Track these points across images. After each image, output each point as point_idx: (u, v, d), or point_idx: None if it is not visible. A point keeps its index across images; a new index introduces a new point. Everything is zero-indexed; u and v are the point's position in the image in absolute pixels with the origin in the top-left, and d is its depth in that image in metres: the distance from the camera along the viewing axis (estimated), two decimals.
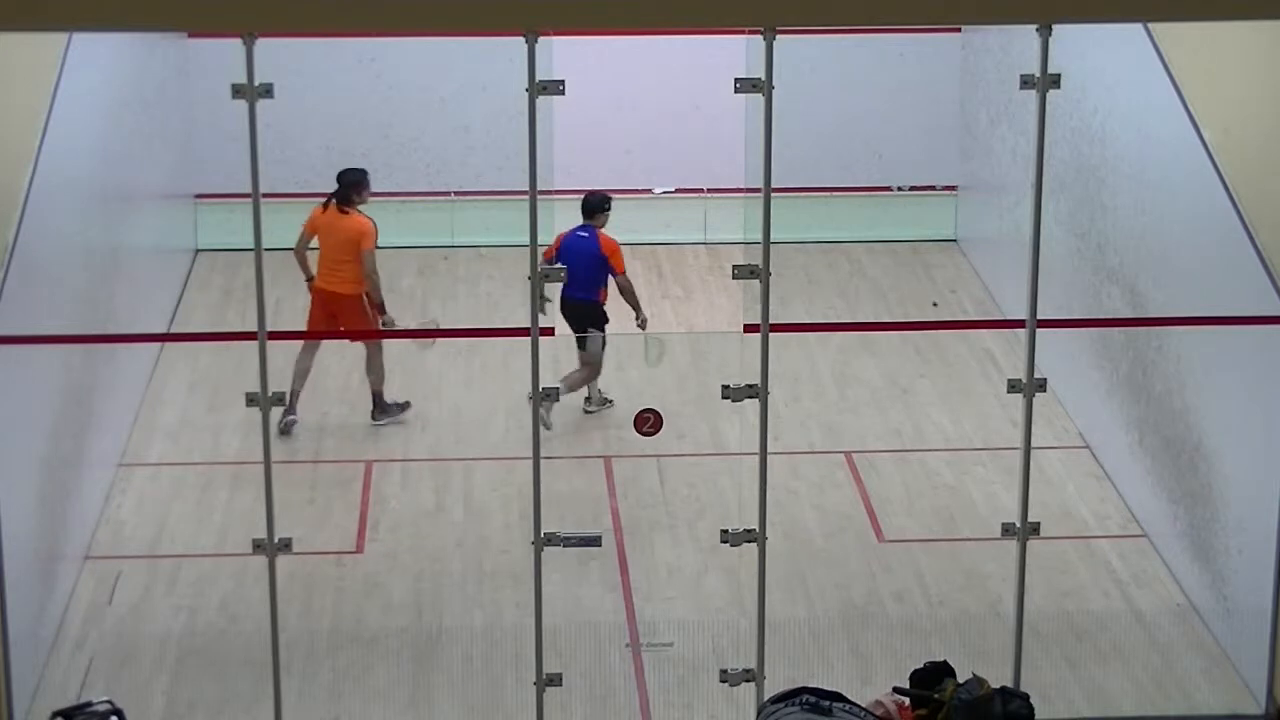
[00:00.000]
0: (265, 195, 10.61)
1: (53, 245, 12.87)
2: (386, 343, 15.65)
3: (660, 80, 18.66)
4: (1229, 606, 12.39)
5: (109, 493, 14.27)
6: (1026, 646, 11.34)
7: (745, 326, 10.98)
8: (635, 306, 15.49)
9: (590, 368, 15.51)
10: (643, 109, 18.83)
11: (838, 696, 8.03)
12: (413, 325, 16.55)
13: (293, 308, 17.52)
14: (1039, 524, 11.07)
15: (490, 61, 18.15)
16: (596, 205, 15.51)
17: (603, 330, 15.50)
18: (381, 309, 15.35)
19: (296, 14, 10.14)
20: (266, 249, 10.67)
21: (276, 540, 10.94)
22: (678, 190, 19.13)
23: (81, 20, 10.39)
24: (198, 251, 18.74)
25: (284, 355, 15.11)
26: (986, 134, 17.86)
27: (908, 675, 8.67)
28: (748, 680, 11.24)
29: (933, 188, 19.22)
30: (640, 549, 13.59)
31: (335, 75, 18.55)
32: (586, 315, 15.44)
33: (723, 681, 11.36)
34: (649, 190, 19.09)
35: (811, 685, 8.15)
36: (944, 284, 18.23)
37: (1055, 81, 10.47)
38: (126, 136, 15.61)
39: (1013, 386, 11.01)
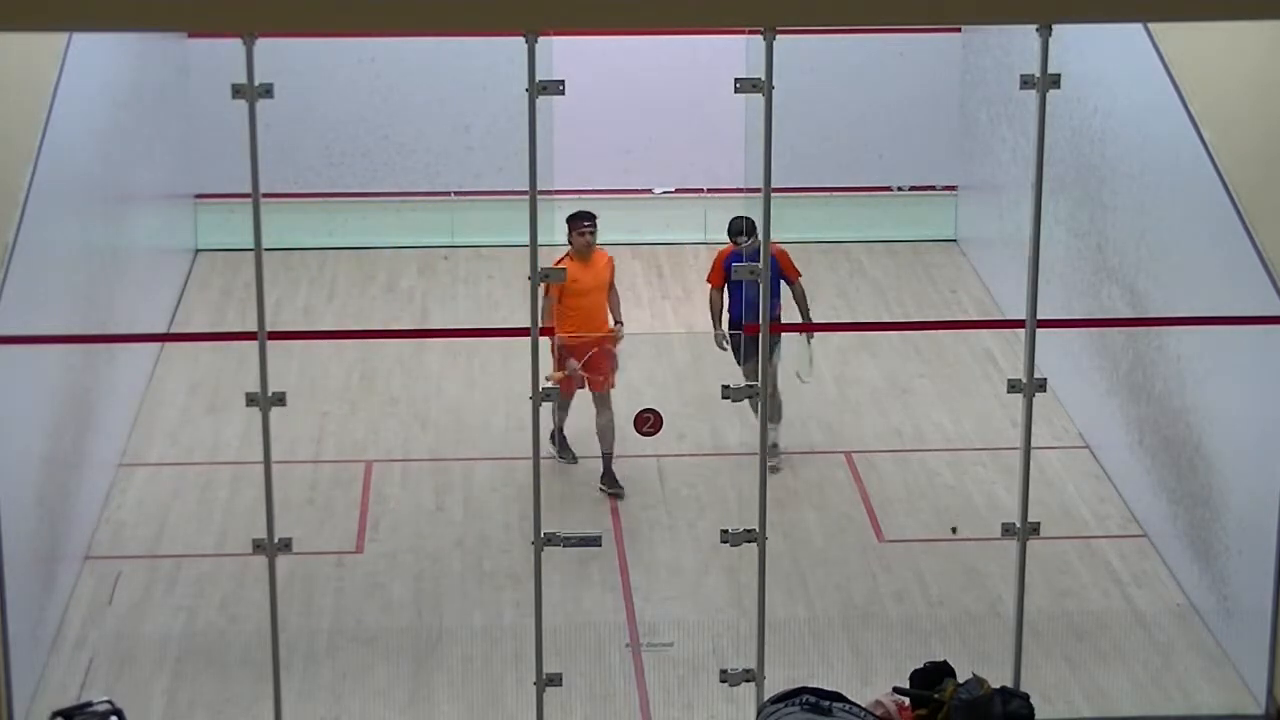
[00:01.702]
0: (265, 195, 10.61)
1: (53, 245, 12.87)
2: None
3: (660, 80, 18.66)
4: (1229, 606, 12.39)
5: (109, 493, 14.26)
6: (1026, 646, 11.34)
7: (746, 326, 10.98)
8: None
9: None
10: (643, 109, 18.83)
11: (838, 696, 8.04)
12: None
13: (292, 308, 17.55)
14: (1039, 524, 11.07)
15: (490, 61, 18.17)
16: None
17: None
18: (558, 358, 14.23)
19: (296, 14, 10.14)
20: (266, 249, 10.67)
21: (276, 540, 10.94)
22: (678, 190, 19.13)
23: (81, 20, 10.39)
24: (198, 251, 18.74)
25: (284, 355, 15.12)
26: (986, 134, 17.86)
27: (908, 675, 8.67)
28: (748, 680, 11.24)
29: (933, 188, 19.22)
30: (640, 549, 13.59)
31: (335, 75, 18.55)
32: None
33: (723, 681, 11.36)
34: (649, 190, 19.10)
35: (811, 685, 8.15)
36: (944, 284, 18.23)
37: (1055, 81, 10.47)
38: (126, 136, 15.61)
39: (1013, 386, 11.01)
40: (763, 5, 10.07)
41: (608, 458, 14.29)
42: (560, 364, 14.10)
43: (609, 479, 14.26)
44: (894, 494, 14.43)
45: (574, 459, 14.61)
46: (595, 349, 14.26)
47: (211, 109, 17.16)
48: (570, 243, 14.31)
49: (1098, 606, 12.95)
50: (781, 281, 14.32)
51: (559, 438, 14.68)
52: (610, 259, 14.52)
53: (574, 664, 12.02)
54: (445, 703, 11.91)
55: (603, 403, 14.29)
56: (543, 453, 13.60)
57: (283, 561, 11.12)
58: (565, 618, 12.48)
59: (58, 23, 10.75)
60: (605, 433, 14.28)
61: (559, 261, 14.08)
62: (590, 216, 14.34)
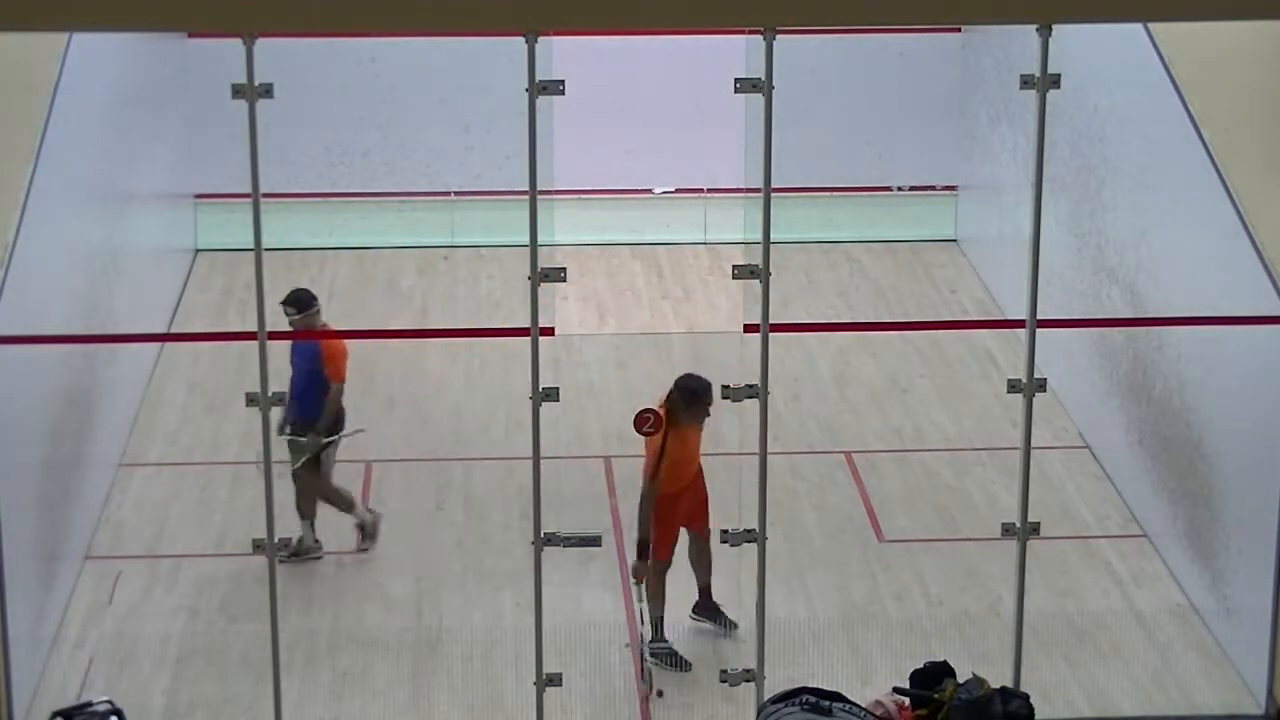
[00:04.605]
0: (265, 195, 10.61)
1: (53, 245, 12.86)
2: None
3: (660, 80, 18.65)
4: (1229, 606, 12.39)
5: (109, 493, 14.26)
6: (1026, 646, 11.33)
7: (745, 326, 10.97)
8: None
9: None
10: (643, 109, 18.83)
11: (838, 696, 8.03)
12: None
13: None
14: (1039, 524, 11.06)
15: (490, 61, 18.16)
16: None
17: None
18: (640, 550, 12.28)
19: (296, 14, 10.16)
20: (266, 249, 10.67)
21: (276, 540, 10.94)
22: (678, 190, 19.13)
23: (81, 20, 10.40)
24: (198, 251, 18.73)
25: (284, 355, 15.09)
26: (986, 134, 17.85)
27: (908, 675, 8.67)
28: (748, 680, 11.24)
29: (933, 188, 19.22)
30: None
31: (335, 75, 18.55)
32: None
33: (723, 681, 11.36)
34: (649, 190, 19.10)
35: (811, 685, 8.15)
36: (944, 284, 18.23)
37: (1055, 81, 10.47)
38: (126, 136, 15.61)
39: (1013, 386, 11.00)
40: (763, 5, 10.07)
41: (706, 589, 12.71)
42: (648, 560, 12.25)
43: (708, 607, 12.70)
44: (894, 494, 14.42)
45: (688, 668, 12.32)
46: (690, 491, 12.59)
47: (211, 109, 17.15)
48: (685, 406, 12.46)
49: (1098, 606, 12.94)
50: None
51: (649, 639, 12.27)
52: None
53: (574, 664, 12.02)
54: (445, 703, 11.90)
55: (701, 546, 12.58)
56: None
57: None
58: (565, 618, 12.47)
59: (58, 23, 10.75)
60: (701, 560, 12.63)
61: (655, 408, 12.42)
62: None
